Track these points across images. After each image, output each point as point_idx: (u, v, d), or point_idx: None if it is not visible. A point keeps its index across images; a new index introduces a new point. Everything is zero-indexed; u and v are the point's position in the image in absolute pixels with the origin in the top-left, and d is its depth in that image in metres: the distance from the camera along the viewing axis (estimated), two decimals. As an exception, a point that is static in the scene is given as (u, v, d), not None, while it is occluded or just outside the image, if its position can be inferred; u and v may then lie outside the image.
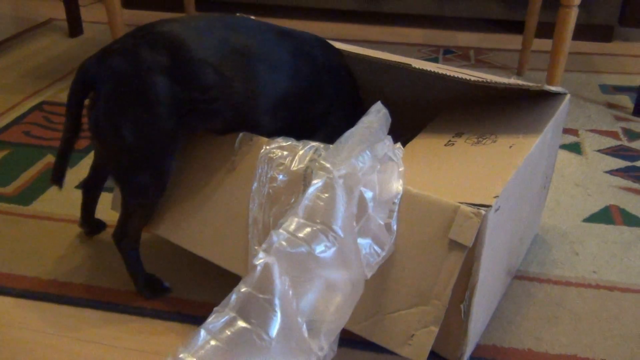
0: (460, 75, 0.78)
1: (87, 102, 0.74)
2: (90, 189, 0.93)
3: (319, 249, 0.60)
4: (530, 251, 0.94)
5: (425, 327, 0.64)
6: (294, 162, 0.71)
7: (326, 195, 0.61)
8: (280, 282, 0.58)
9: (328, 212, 0.61)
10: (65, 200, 1.06)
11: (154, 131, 0.71)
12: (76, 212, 0.97)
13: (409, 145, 0.79)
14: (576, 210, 1.04)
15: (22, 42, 1.82)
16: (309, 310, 0.59)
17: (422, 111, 0.92)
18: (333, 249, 0.60)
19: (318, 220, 0.61)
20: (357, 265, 0.63)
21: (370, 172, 0.65)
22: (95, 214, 0.97)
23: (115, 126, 0.71)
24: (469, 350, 0.74)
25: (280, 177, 0.71)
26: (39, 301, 0.84)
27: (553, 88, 0.80)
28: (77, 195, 0.96)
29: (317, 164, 0.67)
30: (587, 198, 1.08)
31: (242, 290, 0.58)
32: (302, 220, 0.61)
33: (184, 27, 0.72)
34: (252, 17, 0.83)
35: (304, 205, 0.61)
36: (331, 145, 0.69)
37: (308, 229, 0.60)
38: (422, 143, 0.80)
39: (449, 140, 0.78)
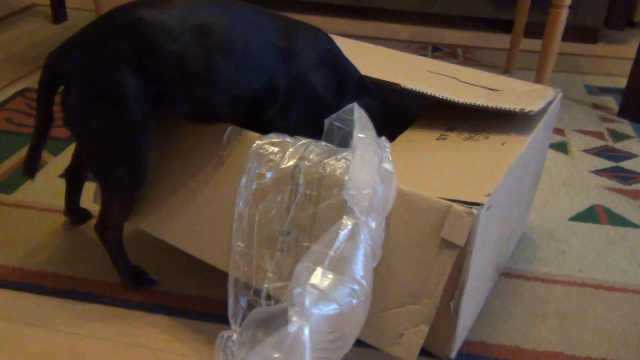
0: (449, 97, 0.79)
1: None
2: (73, 177, 0.92)
3: (347, 306, 0.57)
4: (517, 249, 0.94)
5: (416, 326, 0.63)
6: (284, 159, 0.70)
7: (353, 243, 0.59)
8: (310, 348, 0.55)
9: (355, 263, 0.58)
10: (48, 189, 1.04)
11: (124, 125, 0.70)
12: (60, 202, 0.95)
13: (400, 137, 0.79)
14: (562, 209, 1.05)
15: (4, 28, 1.78)
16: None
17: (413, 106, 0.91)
18: (359, 302, 0.58)
19: (346, 273, 0.58)
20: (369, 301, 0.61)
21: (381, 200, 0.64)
22: (81, 204, 0.95)
23: (86, 121, 0.70)
24: (457, 346, 0.74)
25: (269, 174, 0.70)
26: (21, 292, 0.82)
27: (542, 104, 0.78)
28: (61, 185, 0.94)
29: (345, 204, 0.62)
30: (573, 197, 1.09)
31: (275, 356, 0.55)
32: (330, 275, 0.57)
33: (151, 13, 0.69)
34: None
35: (331, 257, 0.58)
36: (346, 168, 0.66)
37: (338, 285, 0.57)
38: (414, 136, 0.79)
39: (441, 134, 0.78)
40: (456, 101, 0.78)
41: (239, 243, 0.71)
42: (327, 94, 0.78)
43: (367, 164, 0.63)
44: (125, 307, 0.80)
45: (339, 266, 0.58)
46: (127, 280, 0.83)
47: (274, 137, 0.72)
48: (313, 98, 0.77)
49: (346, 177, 0.63)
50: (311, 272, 0.57)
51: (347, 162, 0.66)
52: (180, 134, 0.80)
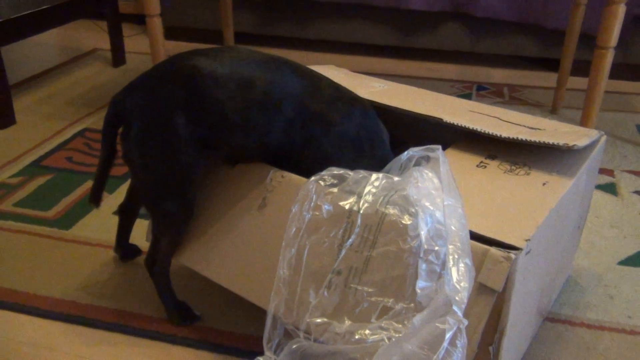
0: (490, 131, 0.79)
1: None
2: (127, 213, 0.96)
3: None
4: (563, 293, 0.92)
5: (453, 370, 0.63)
6: (342, 194, 0.70)
7: (454, 347, 0.58)
8: None
9: None
10: (103, 225, 1.09)
11: (176, 163, 0.75)
12: (113, 238, 1.00)
13: None
14: (611, 252, 1.02)
15: (67, 71, 1.89)
16: None
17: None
18: None
19: None
20: None
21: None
22: (131, 240, 1.00)
23: (142, 158, 0.76)
24: (498, 393, 0.72)
25: (325, 207, 0.70)
26: (74, 324, 0.86)
27: (586, 141, 0.79)
28: (115, 221, 0.99)
29: (443, 304, 0.60)
30: (622, 240, 1.06)
31: None
32: None
33: (205, 61, 0.74)
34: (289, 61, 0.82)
35: None
36: (406, 216, 0.65)
37: None
38: (453, 159, 0.79)
39: (481, 162, 0.78)
40: (498, 135, 0.79)
41: (284, 270, 0.71)
42: (339, 164, 0.78)
43: (460, 244, 0.62)
44: (170, 342, 0.83)
45: None
46: (172, 315, 0.86)
47: (334, 170, 0.72)
48: (323, 163, 0.78)
49: (446, 274, 0.60)
50: None
51: (410, 209, 0.65)
52: (223, 175, 0.83)
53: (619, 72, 1.82)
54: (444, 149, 0.82)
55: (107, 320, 0.87)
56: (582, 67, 1.66)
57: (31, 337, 0.84)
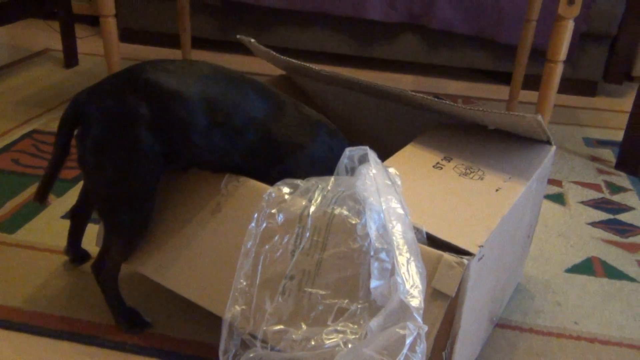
0: (453, 103, 0.81)
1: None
2: (78, 216, 0.93)
3: None
4: (512, 300, 0.94)
5: (407, 376, 0.63)
6: (293, 201, 0.70)
7: (414, 353, 0.58)
8: None
9: None
10: (50, 230, 1.05)
11: (134, 177, 0.74)
12: (60, 243, 0.96)
13: (397, 156, 0.80)
14: (558, 260, 1.06)
15: (17, 71, 1.83)
16: None
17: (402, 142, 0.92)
18: None
19: None
20: None
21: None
22: (83, 245, 0.96)
23: (99, 165, 0.73)
24: (450, 398, 0.73)
25: (279, 215, 0.70)
26: (18, 332, 0.82)
27: (545, 129, 0.81)
28: (63, 226, 0.95)
29: (408, 316, 0.59)
30: (569, 249, 1.09)
31: None
32: None
33: (168, 78, 0.73)
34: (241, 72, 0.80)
35: None
36: (354, 215, 0.66)
37: None
38: (410, 158, 0.80)
39: (438, 163, 0.80)
40: (461, 107, 0.80)
41: (241, 280, 0.71)
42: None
43: (407, 247, 0.61)
44: (119, 349, 0.80)
45: None
46: (121, 321, 0.83)
47: (289, 180, 0.73)
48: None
49: (398, 279, 0.60)
50: None
51: (357, 208, 0.66)
52: (178, 180, 0.82)
53: (567, 87, 1.89)
54: (403, 146, 0.83)
55: (53, 327, 0.83)
56: (533, 81, 1.72)
57: (-30, 345, 0.80)
